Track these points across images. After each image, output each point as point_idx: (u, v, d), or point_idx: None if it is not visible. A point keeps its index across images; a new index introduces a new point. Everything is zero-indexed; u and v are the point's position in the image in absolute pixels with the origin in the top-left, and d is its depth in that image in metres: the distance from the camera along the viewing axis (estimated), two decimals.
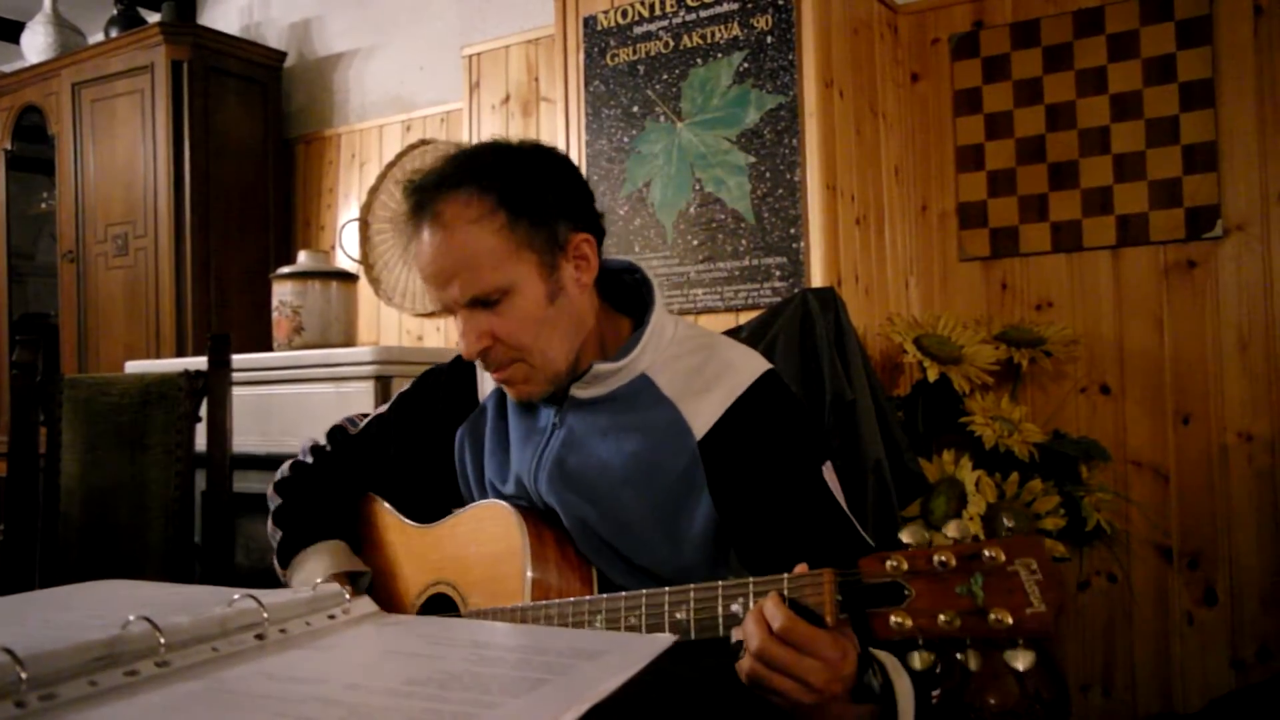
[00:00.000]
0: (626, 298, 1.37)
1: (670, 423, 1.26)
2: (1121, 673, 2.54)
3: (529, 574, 1.20)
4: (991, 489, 2.21)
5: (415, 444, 1.47)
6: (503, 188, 1.22)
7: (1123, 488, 2.51)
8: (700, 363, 1.30)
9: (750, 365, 1.30)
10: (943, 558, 0.88)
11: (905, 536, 0.91)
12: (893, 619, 0.88)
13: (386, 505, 1.46)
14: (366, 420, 1.53)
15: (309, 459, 1.52)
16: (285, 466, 1.53)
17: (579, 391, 1.30)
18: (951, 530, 0.90)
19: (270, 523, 1.48)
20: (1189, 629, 2.46)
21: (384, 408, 1.53)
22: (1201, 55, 2.45)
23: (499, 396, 1.41)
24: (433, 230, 1.23)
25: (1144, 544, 2.51)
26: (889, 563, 0.90)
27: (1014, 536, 0.88)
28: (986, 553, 0.87)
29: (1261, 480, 2.40)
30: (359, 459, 1.50)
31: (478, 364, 1.42)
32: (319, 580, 1.34)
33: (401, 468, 1.48)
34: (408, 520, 1.42)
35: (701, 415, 1.25)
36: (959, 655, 0.87)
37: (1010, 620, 0.84)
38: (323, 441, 1.54)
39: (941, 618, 0.86)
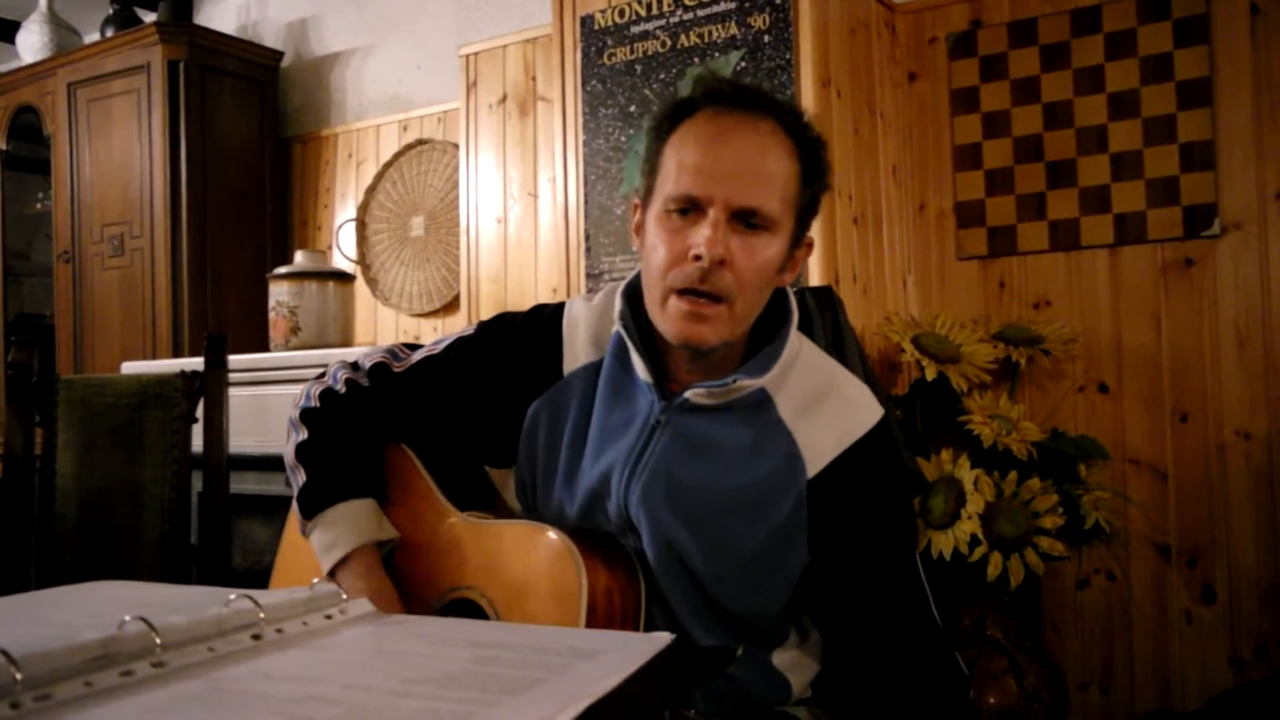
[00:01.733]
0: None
1: (786, 454, 1.17)
2: (1120, 671, 2.54)
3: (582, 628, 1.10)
4: (990, 488, 2.21)
5: (474, 401, 1.31)
6: (809, 151, 1.18)
7: (1121, 486, 2.51)
8: (820, 391, 1.22)
9: (870, 407, 1.22)
10: None
11: None
12: None
13: (423, 471, 1.33)
14: (414, 358, 1.35)
15: (341, 389, 1.33)
16: (314, 392, 1.35)
17: (697, 396, 1.19)
18: None
19: (290, 454, 1.33)
20: (1187, 627, 2.46)
21: (437, 347, 1.35)
22: (1198, 54, 2.45)
23: (589, 373, 1.27)
24: (748, 128, 1.14)
25: (1142, 542, 2.51)
26: None
27: None
28: None
29: (1259, 478, 2.40)
30: (400, 403, 1.33)
31: (565, 328, 1.30)
32: (347, 549, 1.24)
33: (450, 422, 1.33)
34: (447, 500, 1.30)
35: (817, 451, 1.18)
36: None
37: None
38: (357, 373, 1.35)
39: None
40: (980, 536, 2.15)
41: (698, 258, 1.11)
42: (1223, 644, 2.42)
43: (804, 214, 1.19)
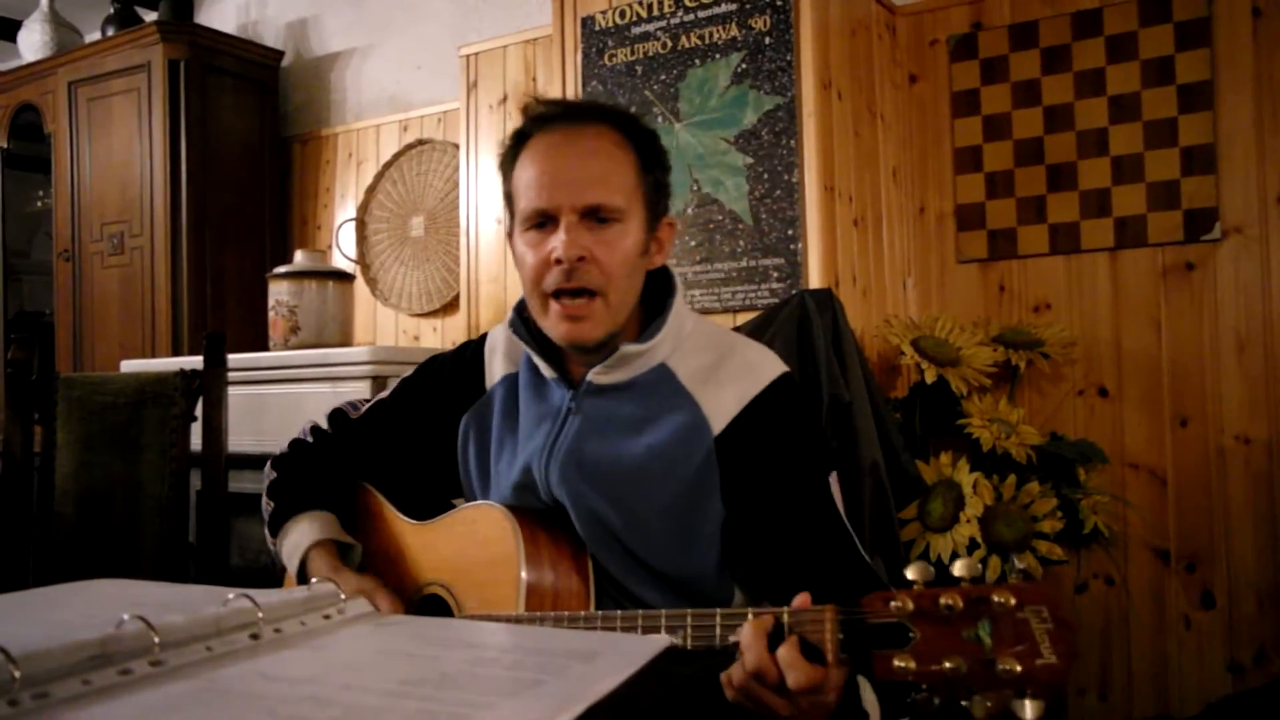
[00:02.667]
0: (645, 291, 1.36)
1: (689, 416, 1.25)
2: (1118, 676, 2.54)
3: (523, 581, 1.19)
4: (989, 491, 2.21)
5: (416, 431, 1.46)
6: (641, 141, 1.30)
7: (1120, 490, 2.50)
8: (719, 358, 1.30)
9: (769, 365, 1.31)
10: (949, 601, 0.84)
11: (911, 573, 0.88)
12: (896, 662, 0.85)
13: (382, 498, 1.45)
14: (368, 405, 1.52)
15: (309, 439, 1.52)
16: (285, 444, 1.53)
17: (598, 377, 1.29)
18: (959, 569, 0.86)
19: (264, 496, 1.48)
20: (1186, 632, 2.46)
21: (385, 394, 1.52)
22: (1200, 57, 2.45)
23: (508, 383, 1.40)
24: (576, 137, 1.26)
25: (1141, 547, 2.51)
26: (893, 603, 0.87)
27: (1025, 582, 0.84)
28: (996, 598, 0.82)
29: (1259, 483, 2.39)
30: (358, 444, 1.49)
31: (486, 351, 1.44)
32: (306, 545, 1.36)
33: (401, 455, 1.47)
34: (402, 515, 1.41)
35: (719, 411, 1.25)
36: (964, 703, 0.84)
37: (1019, 669, 0.80)
38: (323, 423, 1.53)
39: (947, 664, 0.82)
40: (979, 540, 2.15)
41: (558, 260, 1.22)
42: (1221, 649, 2.42)
43: (651, 198, 1.30)
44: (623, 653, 0.70)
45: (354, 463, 1.49)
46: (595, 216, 1.23)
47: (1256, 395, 2.40)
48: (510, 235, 1.34)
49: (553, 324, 1.26)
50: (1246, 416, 2.41)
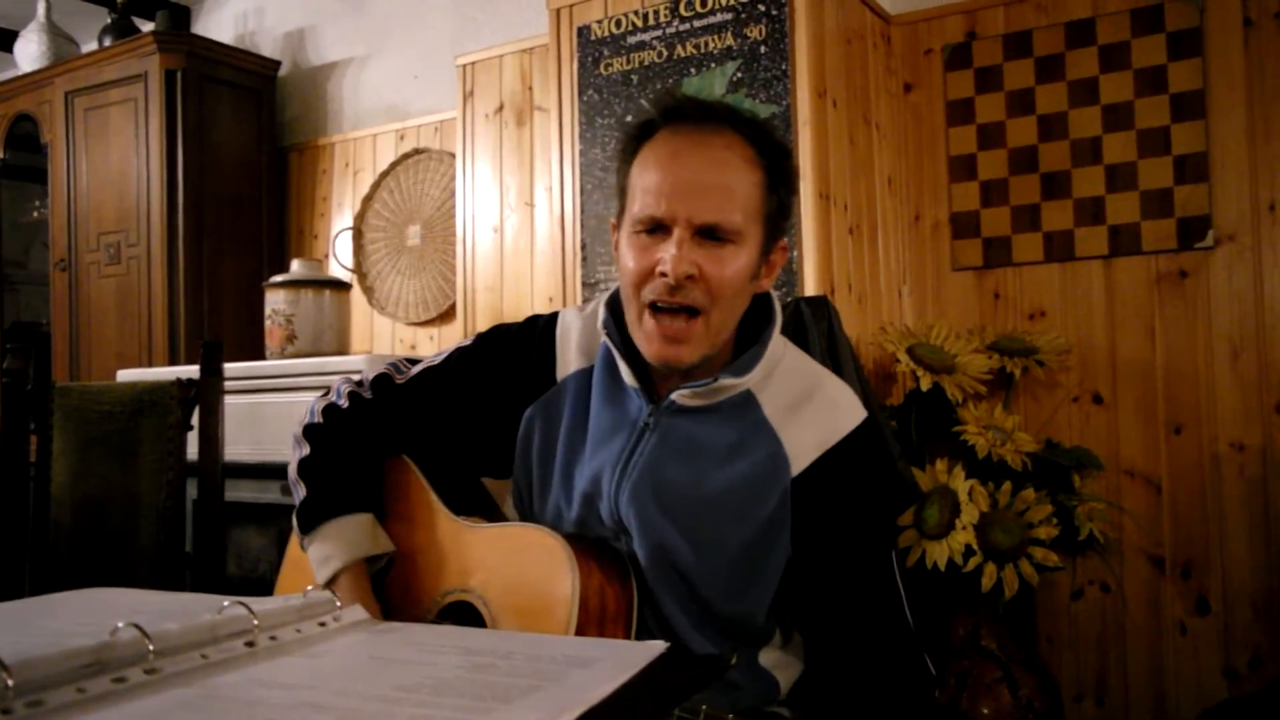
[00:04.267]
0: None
1: (771, 452, 1.20)
2: (1114, 682, 2.54)
3: (573, 625, 1.13)
4: (984, 498, 2.21)
5: (471, 409, 1.34)
6: (772, 158, 1.21)
7: (1115, 497, 2.51)
8: (804, 393, 1.24)
9: (853, 409, 1.25)
10: None
11: None
12: None
13: (425, 482, 1.36)
14: (415, 370, 1.38)
15: (344, 403, 1.37)
16: (318, 408, 1.39)
17: (684, 398, 1.22)
18: None
19: (294, 470, 1.35)
20: (1181, 638, 2.46)
21: (437, 359, 1.38)
22: (1192, 67, 2.47)
23: (581, 379, 1.31)
24: (704, 144, 1.18)
25: (1136, 553, 2.51)
26: None
27: None
28: None
29: (1253, 490, 2.40)
30: (402, 414, 1.36)
31: (557, 336, 1.34)
32: (340, 564, 1.26)
33: (449, 432, 1.36)
34: (446, 508, 1.32)
35: (801, 451, 1.20)
36: None
37: None
38: (360, 386, 1.38)
39: None
40: (975, 547, 2.15)
41: (664, 274, 1.15)
42: (1217, 655, 2.43)
43: (772, 220, 1.22)
44: (619, 658, 0.70)
45: (395, 436, 1.37)
46: (711, 234, 1.15)
47: (1250, 402, 2.40)
48: (616, 226, 1.26)
49: (646, 339, 1.19)
50: (1240, 423, 2.41)
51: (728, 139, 1.18)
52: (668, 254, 1.14)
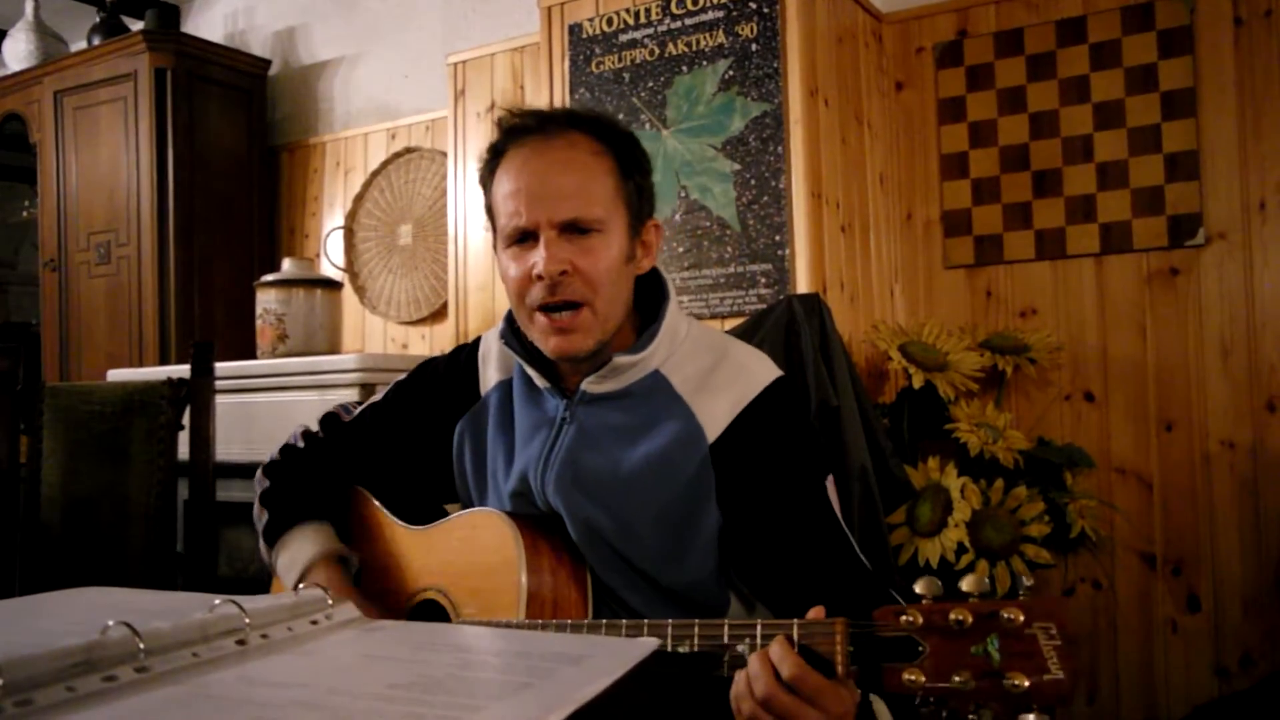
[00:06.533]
0: (638, 297, 1.36)
1: (684, 424, 1.25)
2: (1106, 680, 2.55)
3: (524, 588, 1.18)
4: (976, 496, 2.21)
5: (410, 435, 1.45)
6: (618, 146, 1.28)
7: (1107, 495, 2.52)
8: (713, 363, 1.29)
9: (763, 370, 1.30)
10: (959, 616, 0.85)
11: (919, 588, 0.89)
12: (905, 675, 0.87)
13: (377, 503, 1.44)
14: (361, 408, 1.51)
15: (300, 444, 1.50)
16: (276, 450, 1.51)
17: (592, 386, 1.28)
18: (968, 584, 0.88)
19: (257, 504, 1.46)
20: (1173, 636, 2.47)
21: (379, 397, 1.50)
22: (1183, 65, 2.47)
23: (503, 390, 1.39)
24: (548, 149, 1.25)
25: (1128, 551, 2.52)
26: (904, 617, 0.88)
27: (1034, 598, 0.86)
28: (1005, 614, 0.84)
29: (1244, 487, 2.41)
30: (351, 447, 1.48)
31: (480, 357, 1.43)
32: (306, 561, 1.35)
33: (395, 459, 1.46)
34: (398, 520, 1.40)
35: (714, 418, 1.25)
36: (970, 716, 0.86)
37: (1026, 684, 0.82)
38: (315, 427, 1.51)
39: (956, 678, 0.85)
40: (966, 544, 2.16)
41: (540, 276, 1.22)
42: (1208, 653, 2.43)
43: (633, 203, 1.29)
44: (611, 655, 0.70)
45: (348, 467, 1.48)
46: (575, 229, 1.22)
47: (1240, 400, 2.41)
48: (495, 248, 1.34)
49: (541, 338, 1.26)
50: (1231, 421, 2.42)
51: (570, 138, 1.26)
52: (539, 257, 1.21)
